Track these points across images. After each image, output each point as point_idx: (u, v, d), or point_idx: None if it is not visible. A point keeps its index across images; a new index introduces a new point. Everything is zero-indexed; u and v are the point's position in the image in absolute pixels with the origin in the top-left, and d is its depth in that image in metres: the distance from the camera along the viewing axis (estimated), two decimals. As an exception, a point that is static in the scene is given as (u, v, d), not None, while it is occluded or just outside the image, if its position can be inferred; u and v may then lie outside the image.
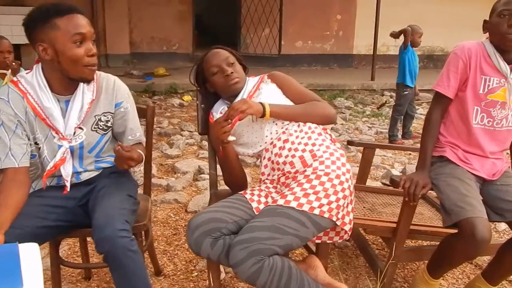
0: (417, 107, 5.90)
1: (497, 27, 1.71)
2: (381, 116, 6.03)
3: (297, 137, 1.67)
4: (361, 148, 2.56)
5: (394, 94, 6.20)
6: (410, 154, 4.29)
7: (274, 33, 8.96)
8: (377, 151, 4.13)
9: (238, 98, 1.80)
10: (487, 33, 1.81)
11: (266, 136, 1.72)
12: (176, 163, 3.66)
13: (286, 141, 1.67)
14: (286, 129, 1.71)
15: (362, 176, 2.49)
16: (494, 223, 2.61)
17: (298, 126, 1.71)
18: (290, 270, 1.44)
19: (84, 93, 1.57)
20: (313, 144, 1.64)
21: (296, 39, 9.25)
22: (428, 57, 9.86)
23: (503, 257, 1.77)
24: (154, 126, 4.89)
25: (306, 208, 1.47)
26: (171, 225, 2.69)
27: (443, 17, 9.03)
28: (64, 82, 1.54)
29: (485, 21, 1.82)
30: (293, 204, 1.48)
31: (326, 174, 1.54)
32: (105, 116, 1.64)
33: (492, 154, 1.85)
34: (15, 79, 1.56)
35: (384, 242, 2.45)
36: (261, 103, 1.68)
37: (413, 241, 2.46)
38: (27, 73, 1.56)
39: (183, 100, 6.32)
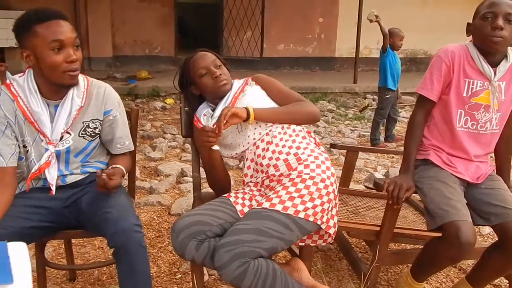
0: (400, 110, 5.97)
1: (480, 29, 1.71)
2: (364, 119, 6.08)
3: (281, 139, 1.66)
4: (344, 151, 2.56)
5: (376, 97, 6.24)
6: (393, 157, 4.33)
7: (256, 36, 8.95)
8: (360, 154, 4.16)
9: (224, 99, 1.81)
10: (471, 36, 1.81)
11: (249, 137, 1.71)
12: (159, 166, 3.64)
13: (269, 142, 1.66)
14: (270, 130, 1.70)
15: (345, 179, 2.50)
16: (478, 226, 2.63)
17: (282, 128, 1.71)
18: (275, 272, 1.44)
19: (73, 99, 1.59)
20: (298, 148, 1.64)
21: (278, 42, 9.26)
22: (411, 60, 9.98)
23: (487, 261, 1.76)
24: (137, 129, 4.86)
25: (291, 211, 1.47)
26: (154, 227, 2.68)
27: (425, 20, 9.15)
28: (53, 87, 1.56)
29: (468, 24, 1.81)
30: (278, 207, 1.47)
31: (311, 177, 1.54)
32: (93, 123, 1.65)
33: (476, 157, 1.85)
34: (7, 81, 1.59)
35: (368, 245, 2.45)
36: (245, 107, 1.67)
37: (396, 244, 2.47)
38: (19, 77, 1.58)
39: (166, 103, 6.28)
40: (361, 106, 6.80)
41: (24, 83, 1.55)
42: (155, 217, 2.82)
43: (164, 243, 2.48)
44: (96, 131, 1.67)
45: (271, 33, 9.03)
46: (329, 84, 7.65)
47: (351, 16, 7.78)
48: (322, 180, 1.55)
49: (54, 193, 1.60)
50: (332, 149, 4.08)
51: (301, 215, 1.48)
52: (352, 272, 2.23)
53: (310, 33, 9.45)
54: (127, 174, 1.93)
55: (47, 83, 1.54)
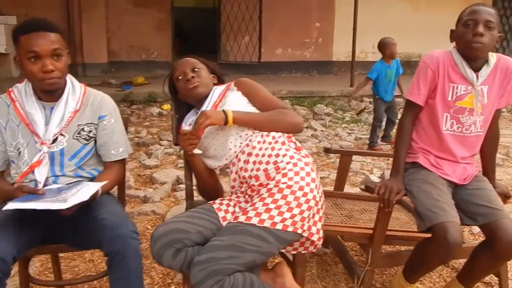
0: (398, 113, 5.93)
1: (462, 36, 1.76)
2: (361, 122, 6.09)
3: (260, 148, 1.63)
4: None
5: (372, 100, 6.23)
6: (388, 159, 4.33)
7: (254, 40, 8.99)
8: (357, 157, 4.17)
9: (204, 107, 1.79)
10: (454, 42, 1.86)
11: (230, 149, 1.69)
12: (155, 174, 3.61)
13: (249, 154, 1.64)
14: (250, 140, 1.67)
15: (339, 182, 2.50)
16: (470, 226, 2.65)
17: (262, 136, 1.67)
18: (252, 285, 1.44)
19: (67, 102, 1.68)
20: (277, 155, 1.60)
21: (276, 47, 9.30)
22: (405, 63, 9.95)
23: (476, 259, 1.80)
24: (132, 136, 4.89)
25: (267, 223, 1.46)
26: (147, 237, 2.62)
27: (419, 25, 9.20)
28: (43, 91, 1.65)
29: (451, 30, 1.87)
30: (254, 220, 1.46)
31: (289, 186, 1.51)
32: (88, 126, 1.72)
33: (462, 159, 1.89)
34: (10, 88, 1.72)
35: (362, 249, 2.45)
36: (223, 110, 1.65)
37: (391, 247, 2.47)
38: (20, 83, 1.71)
39: (162, 109, 6.24)
40: (358, 109, 6.80)
41: (22, 88, 1.68)
42: (149, 226, 2.78)
43: (158, 254, 2.46)
44: (91, 134, 1.73)
45: (268, 38, 9.07)
46: (326, 88, 7.66)
47: (347, 21, 7.79)
48: (300, 188, 1.52)
49: (42, 192, 1.60)
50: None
51: (279, 226, 1.46)
52: (348, 276, 2.23)
53: (307, 37, 9.49)
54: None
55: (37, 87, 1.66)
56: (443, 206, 1.68)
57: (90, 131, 1.72)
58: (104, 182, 1.64)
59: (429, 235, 1.69)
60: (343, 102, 7.29)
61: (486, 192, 1.81)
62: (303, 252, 1.66)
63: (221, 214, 1.63)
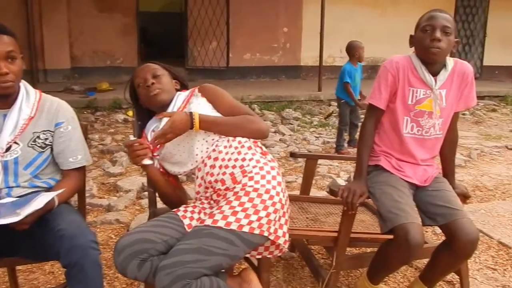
0: (361, 116, 6.03)
1: (421, 41, 1.81)
2: (328, 126, 6.16)
3: (226, 153, 1.63)
4: (311, 159, 2.57)
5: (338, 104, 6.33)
6: (355, 162, 4.38)
7: (222, 45, 8.98)
8: (324, 160, 4.21)
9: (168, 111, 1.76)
10: (414, 47, 1.90)
11: (197, 155, 1.67)
12: (119, 181, 3.53)
13: (216, 159, 1.63)
14: (216, 145, 1.66)
15: (305, 186, 2.51)
16: (433, 226, 2.71)
17: (228, 141, 1.67)
18: None
19: (20, 109, 1.60)
20: (243, 159, 1.61)
21: (244, 52, 9.31)
22: (372, 67, 10.20)
23: (437, 259, 1.84)
24: (97, 143, 4.77)
25: (234, 226, 1.45)
26: (111, 247, 2.57)
27: (386, 30, 9.41)
28: None
29: (411, 36, 1.91)
30: (221, 223, 1.45)
31: (255, 190, 1.52)
32: (44, 134, 1.65)
33: (423, 161, 1.93)
34: None
35: (327, 252, 2.47)
36: (191, 112, 1.64)
37: (357, 249, 2.50)
38: None
39: (128, 115, 6.10)
40: (326, 113, 6.89)
41: None
42: (112, 235, 2.72)
43: (122, 264, 2.40)
44: (47, 142, 1.67)
45: (236, 43, 9.08)
46: (294, 92, 7.74)
47: (315, 26, 7.90)
48: (267, 191, 1.53)
49: None
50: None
51: (246, 229, 1.46)
52: (315, 280, 2.23)
53: (275, 42, 9.56)
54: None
55: None
56: (404, 208, 1.71)
57: (46, 139, 1.67)
58: (60, 191, 1.59)
59: (391, 236, 1.70)
60: (311, 106, 7.37)
61: (445, 193, 1.85)
62: (268, 256, 1.66)
63: (186, 221, 1.60)
